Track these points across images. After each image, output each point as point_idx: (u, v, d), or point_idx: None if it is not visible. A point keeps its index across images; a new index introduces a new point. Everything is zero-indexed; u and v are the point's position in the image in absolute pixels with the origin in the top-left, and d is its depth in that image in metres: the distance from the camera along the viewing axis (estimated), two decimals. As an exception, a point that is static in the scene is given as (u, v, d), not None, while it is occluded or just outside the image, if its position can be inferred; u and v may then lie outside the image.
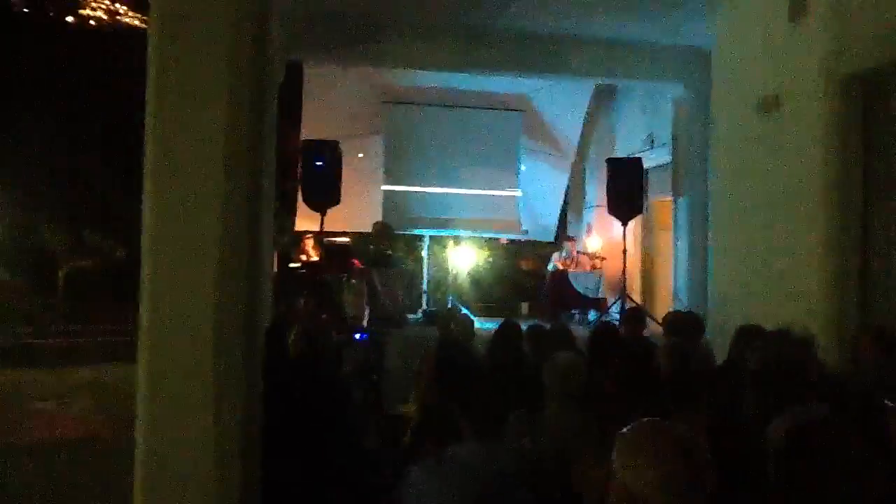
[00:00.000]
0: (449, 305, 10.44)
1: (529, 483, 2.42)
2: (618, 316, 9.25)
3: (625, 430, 1.82)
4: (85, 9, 23.83)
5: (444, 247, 12.09)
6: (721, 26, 7.51)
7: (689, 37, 8.76)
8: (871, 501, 1.90)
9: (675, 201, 10.11)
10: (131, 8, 24.16)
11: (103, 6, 24.21)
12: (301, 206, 10.09)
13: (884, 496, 2.03)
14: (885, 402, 2.81)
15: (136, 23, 23.36)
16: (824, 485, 1.85)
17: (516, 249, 14.39)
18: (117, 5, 24.37)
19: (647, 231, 11.33)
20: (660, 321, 9.20)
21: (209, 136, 2.70)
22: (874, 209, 5.68)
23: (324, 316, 8.60)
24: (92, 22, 23.90)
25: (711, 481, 1.72)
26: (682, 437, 1.77)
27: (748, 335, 4.36)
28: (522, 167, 11.70)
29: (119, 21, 24.30)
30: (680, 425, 1.83)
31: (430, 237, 11.78)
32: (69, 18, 23.30)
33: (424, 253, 11.79)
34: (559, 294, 10.45)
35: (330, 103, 11.08)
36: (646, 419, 1.84)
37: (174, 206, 2.71)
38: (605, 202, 9.87)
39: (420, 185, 11.29)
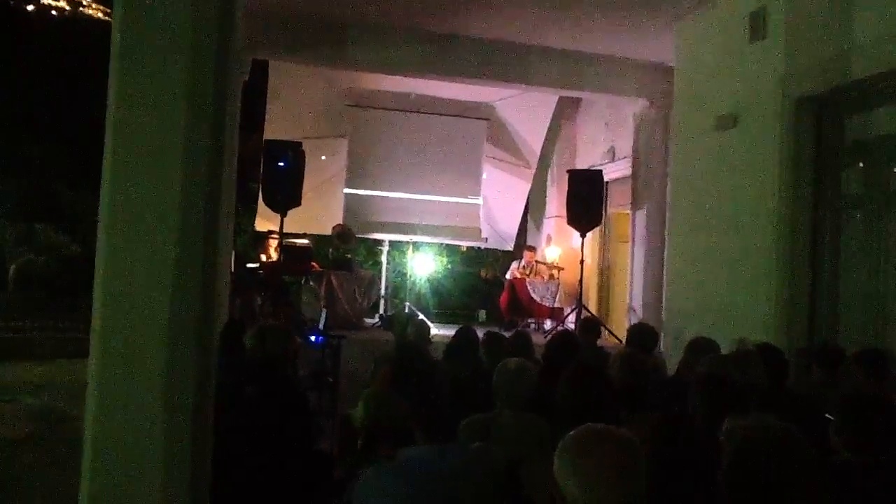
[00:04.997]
0: (406, 311, 10.44)
1: (481, 484, 2.44)
2: (573, 326, 9.34)
3: (568, 435, 1.86)
4: (47, -2, 23.40)
5: (404, 252, 12.10)
6: (683, 44, 7.66)
7: (654, 52, 8.91)
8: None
9: (633, 214, 10.25)
10: (94, -1, 23.78)
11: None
12: (261, 206, 10.02)
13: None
14: (827, 415, 2.89)
15: (100, 14, 22.99)
16: (772, 492, 1.90)
17: (475, 257, 14.44)
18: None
19: (606, 243, 11.47)
20: (614, 332, 9.36)
21: (169, 133, 2.68)
22: (824, 226, 5.85)
23: (281, 318, 8.56)
24: (53, 12, 23.47)
25: (644, 486, 1.75)
26: (619, 443, 1.81)
27: (699, 348, 4.45)
28: (484, 175, 11.77)
29: (81, 12, 23.89)
30: (623, 430, 1.87)
31: (390, 242, 11.79)
32: (29, 7, 22.84)
33: (384, 258, 11.79)
34: (516, 302, 10.52)
35: (295, 104, 11.05)
36: (587, 425, 1.87)
37: (131, 203, 2.68)
38: (564, 212, 9.98)
39: (382, 190, 11.29)
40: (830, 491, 2.09)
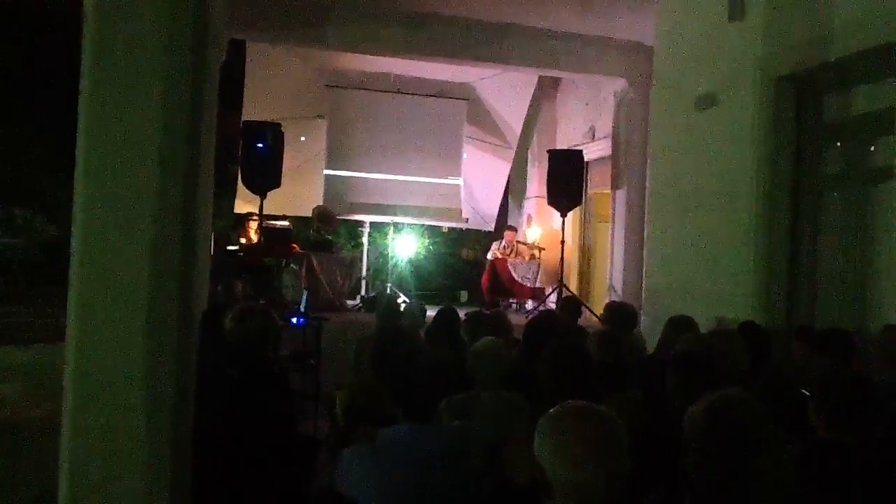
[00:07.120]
0: (388, 292, 10.43)
1: (461, 462, 2.46)
2: (554, 306, 9.38)
3: (548, 413, 1.86)
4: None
5: (385, 233, 12.08)
6: (663, 23, 7.65)
7: (634, 32, 8.90)
8: (786, 481, 1.98)
9: (613, 194, 10.29)
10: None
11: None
12: (240, 188, 9.95)
13: (800, 478, 2.13)
14: (804, 392, 2.92)
15: (73, -5, 22.60)
16: (737, 463, 1.92)
17: (457, 238, 14.44)
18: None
19: (586, 223, 11.52)
20: (594, 311, 9.41)
21: (146, 115, 2.65)
22: (802, 205, 5.89)
23: (261, 300, 8.52)
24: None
25: (627, 463, 1.76)
26: (600, 419, 1.80)
27: (678, 326, 4.49)
28: (464, 155, 11.75)
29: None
30: (602, 408, 1.87)
31: (371, 224, 11.77)
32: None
33: (365, 239, 11.77)
34: (497, 283, 10.55)
35: (273, 84, 10.96)
36: (568, 402, 1.87)
37: (107, 186, 2.65)
38: (545, 193, 9.99)
39: (362, 171, 11.25)
40: (796, 461, 2.11)
